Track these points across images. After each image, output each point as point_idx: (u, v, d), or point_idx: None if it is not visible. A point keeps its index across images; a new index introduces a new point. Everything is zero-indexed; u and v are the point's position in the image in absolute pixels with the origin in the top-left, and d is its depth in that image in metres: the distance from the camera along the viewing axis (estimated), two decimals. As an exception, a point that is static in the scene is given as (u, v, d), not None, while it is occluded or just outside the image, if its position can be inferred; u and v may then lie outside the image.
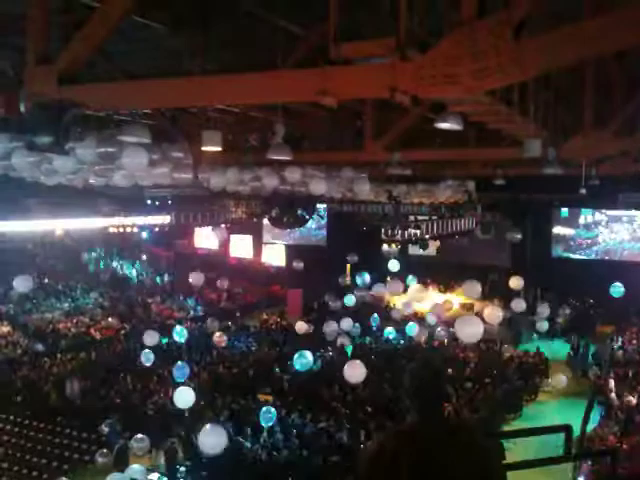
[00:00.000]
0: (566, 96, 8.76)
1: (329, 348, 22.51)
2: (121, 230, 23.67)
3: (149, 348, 18.54)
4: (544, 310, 21.29)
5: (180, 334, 20.57)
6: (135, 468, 14.33)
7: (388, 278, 24.49)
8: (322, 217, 30.53)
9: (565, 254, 28.31)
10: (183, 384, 16.45)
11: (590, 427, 15.43)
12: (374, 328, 24.35)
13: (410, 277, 23.98)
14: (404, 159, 11.31)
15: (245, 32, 7.59)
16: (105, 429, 16.65)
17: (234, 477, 13.96)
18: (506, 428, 16.15)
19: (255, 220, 25.69)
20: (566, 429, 4.38)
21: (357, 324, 22.72)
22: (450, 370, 18.81)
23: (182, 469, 14.74)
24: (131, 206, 22.38)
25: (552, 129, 8.48)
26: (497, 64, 4.23)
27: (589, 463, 12.10)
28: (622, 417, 15.65)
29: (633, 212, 26.02)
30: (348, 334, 22.02)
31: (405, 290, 21.74)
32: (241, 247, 35.54)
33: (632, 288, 21.76)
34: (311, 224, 28.66)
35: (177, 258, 36.11)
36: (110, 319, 27.88)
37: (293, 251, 32.19)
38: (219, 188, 14.26)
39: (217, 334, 20.78)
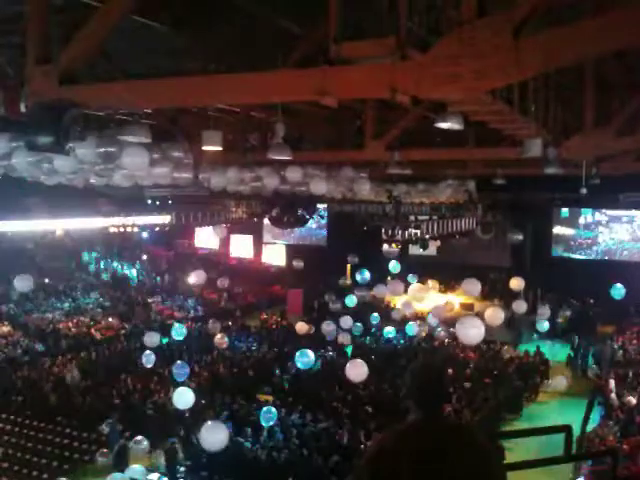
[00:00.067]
0: (566, 95, 8.76)
1: (329, 348, 22.51)
2: (121, 230, 23.69)
3: (150, 349, 18.55)
4: (545, 311, 21.30)
5: (178, 332, 20.59)
6: (135, 468, 14.34)
7: (388, 278, 24.49)
8: (322, 217, 30.56)
9: (565, 254, 28.31)
10: (183, 384, 16.47)
11: (590, 427, 15.43)
12: (374, 329, 24.33)
13: (410, 276, 23.96)
14: (404, 159, 11.30)
15: (245, 32, 7.58)
16: (105, 429, 16.65)
17: (234, 477, 13.96)
18: (506, 428, 16.15)
19: (255, 220, 25.70)
20: (566, 429, 4.37)
21: (358, 323, 22.73)
22: (450, 370, 18.81)
23: (182, 469, 14.73)
24: (131, 206, 22.38)
25: (552, 128, 8.48)
26: (497, 64, 4.23)
27: (589, 463, 12.09)
28: (622, 417, 15.65)
29: (633, 212, 26.03)
30: (350, 332, 22.03)
31: (406, 290, 21.71)
32: (241, 247, 35.56)
33: (632, 288, 21.76)
34: (311, 224, 28.69)
35: (177, 258, 36.11)
36: (110, 319, 27.88)
37: (293, 251, 32.20)
38: (219, 188, 14.27)
39: (218, 336, 20.76)
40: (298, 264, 27.98)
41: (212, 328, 21.88)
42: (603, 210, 27.15)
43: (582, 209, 27.45)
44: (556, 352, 23.19)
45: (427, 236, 20.75)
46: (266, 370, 21.15)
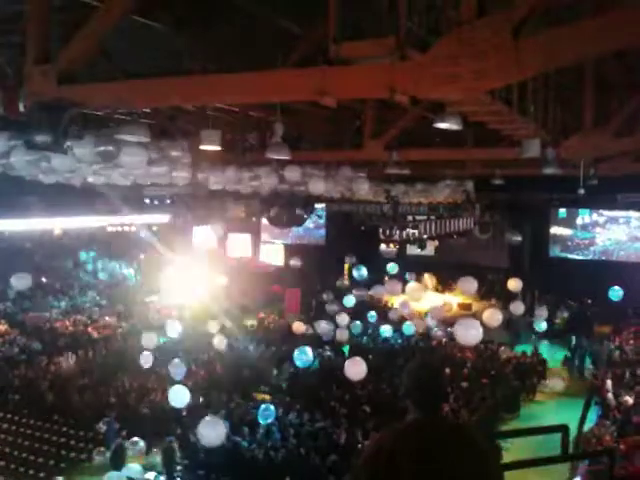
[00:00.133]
0: (566, 96, 8.77)
1: (327, 347, 22.51)
2: (119, 229, 23.70)
3: (148, 350, 18.55)
4: (542, 312, 21.30)
5: (173, 329, 20.60)
6: (132, 467, 14.35)
7: (386, 278, 24.51)
8: (320, 217, 30.57)
9: (562, 254, 28.34)
10: (180, 383, 16.46)
11: (587, 427, 15.45)
12: (370, 329, 24.34)
13: (407, 274, 23.96)
14: (403, 159, 11.31)
15: (245, 32, 7.58)
16: (102, 427, 16.64)
17: (231, 476, 13.96)
18: (503, 428, 16.16)
19: (254, 219, 25.69)
20: (563, 429, 4.39)
21: (357, 322, 22.76)
22: (448, 370, 18.82)
23: (179, 468, 14.74)
24: (129, 205, 22.35)
25: (551, 129, 8.49)
26: (496, 64, 4.24)
27: (586, 463, 12.11)
28: (619, 417, 15.67)
29: (630, 213, 26.05)
30: (348, 330, 22.04)
31: (403, 290, 21.72)
32: (239, 246, 35.52)
33: (629, 288, 21.80)
34: (309, 223, 28.68)
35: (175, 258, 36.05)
36: (107, 318, 27.84)
37: (291, 250, 32.17)
38: (218, 187, 14.27)
39: (217, 337, 20.74)
40: (295, 263, 27.97)
41: (213, 332, 21.83)
42: (600, 211, 27.17)
43: (579, 210, 27.48)
44: (553, 352, 23.20)
45: (425, 236, 20.78)
46: (263, 369, 21.15)
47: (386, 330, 23.13)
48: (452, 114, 6.30)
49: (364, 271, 23.19)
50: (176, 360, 18.07)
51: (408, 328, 21.91)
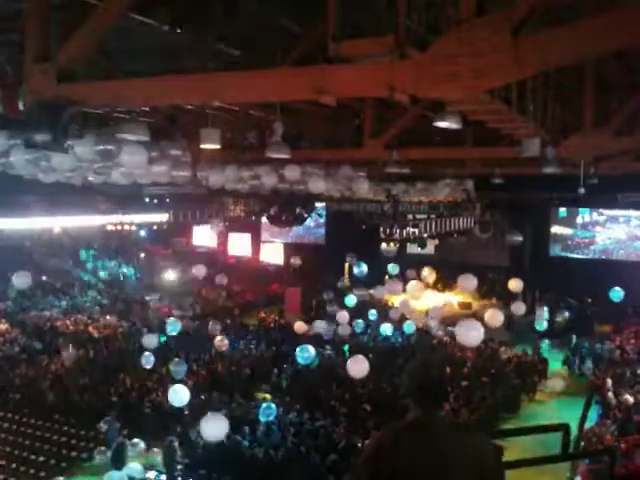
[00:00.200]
0: (565, 95, 8.77)
1: (327, 347, 22.51)
2: (119, 228, 23.69)
3: (149, 350, 18.57)
4: (543, 313, 21.29)
5: (173, 327, 20.65)
6: (133, 466, 14.36)
7: (386, 277, 24.51)
8: (320, 215, 30.56)
9: (563, 254, 28.35)
10: (181, 382, 16.48)
11: (588, 426, 15.46)
12: (369, 329, 24.34)
13: (408, 271, 23.95)
14: (403, 158, 11.31)
15: (244, 31, 7.58)
16: (103, 427, 16.65)
17: (232, 475, 13.97)
18: (504, 427, 16.16)
19: (254, 218, 25.68)
20: (564, 428, 4.38)
21: (360, 320, 22.78)
22: (448, 369, 18.80)
23: (180, 467, 14.74)
24: (129, 204, 22.36)
25: (551, 128, 8.49)
26: (496, 63, 4.23)
27: (586, 462, 12.11)
28: (620, 416, 15.68)
29: (630, 212, 26.06)
30: (351, 327, 22.06)
31: (404, 288, 21.71)
32: (239, 245, 35.53)
33: (629, 287, 21.79)
34: (310, 222, 28.69)
35: (175, 256, 36.08)
36: (108, 317, 27.86)
37: (292, 249, 32.20)
38: (218, 186, 14.26)
39: (218, 338, 20.76)
40: (295, 261, 28.00)
41: (212, 329, 21.85)
42: (600, 210, 27.18)
43: (580, 209, 27.48)
44: (554, 351, 23.20)
45: (425, 235, 20.78)
46: (264, 369, 21.16)
47: (386, 329, 23.14)
48: (452, 113, 6.30)
49: (364, 267, 23.19)
50: (177, 359, 18.09)
51: (408, 327, 21.92)
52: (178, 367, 17.80)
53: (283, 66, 6.36)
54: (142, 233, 31.26)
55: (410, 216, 21.82)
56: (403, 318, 22.72)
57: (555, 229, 28.47)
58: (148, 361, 18.29)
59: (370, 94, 7.98)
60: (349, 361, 15.37)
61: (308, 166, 13.26)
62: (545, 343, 22.72)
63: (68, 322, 26.80)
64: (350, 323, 22.09)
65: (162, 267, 33.35)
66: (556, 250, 28.46)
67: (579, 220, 28.12)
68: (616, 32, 3.98)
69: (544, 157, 9.19)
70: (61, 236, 26.59)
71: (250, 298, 32.61)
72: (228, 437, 14.13)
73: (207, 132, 8.93)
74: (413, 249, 23.37)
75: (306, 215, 22.30)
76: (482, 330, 13.77)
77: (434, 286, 27.31)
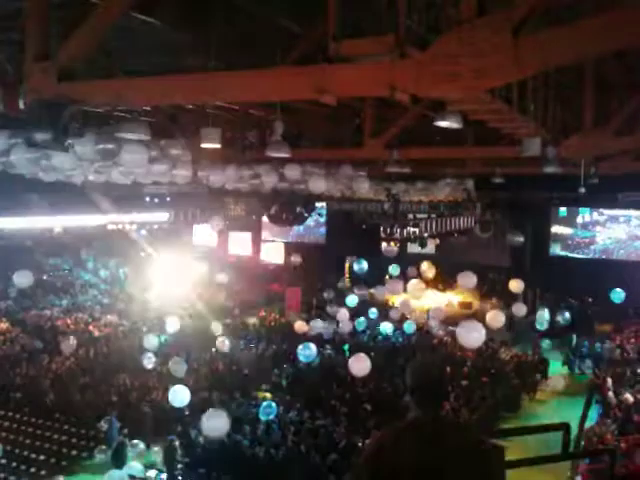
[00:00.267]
0: (566, 95, 8.77)
1: (327, 346, 22.52)
2: (120, 227, 23.69)
3: (150, 351, 18.59)
4: (543, 313, 21.24)
5: (172, 325, 20.68)
6: (133, 465, 14.37)
7: (387, 277, 24.51)
8: (321, 215, 30.56)
9: (563, 253, 28.34)
10: (181, 381, 16.48)
11: (588, 425, 15.45)
12: (368, 329, 24.35)
13: (409, 269, 23.94)
14: (403, 157, 11.31)
15: (245, 30, 7.58)
16: (104, 426, 16.66)
17: (232, 474, 13.97)
18: (504, 426, 16.16)
19: (254, 217, 25.68)
20: (564, 427, 4.39)
21: (362, 318, 22.78)
22: (448, 369, 18.79)
23: (180, 466, 14.75)
24: (130, 203, 22.36)
25: (551, 128, 8.49)
26: (496, 62, 4.23)
27: (587, 462, 12.12)
28: (620, 416, 15.67)
29: (630, 212, 26.05)
30: (352, 325, 22.05)
31: (405, 289, 21.71)
32: (240, 244, 35.53)
33: (630, 287, 21.78)
34: (310, 222, 28.68)
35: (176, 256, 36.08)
36: (109, 316, 27.86)
37: (292, 249, 32.19)
38: (218, 185, 14.27)
39: (220, 339, 20.77)
40: (295, 259, 28.02)
41: (214, 330, 21.85)
42: (601, 210, 27.17)
43: (580, 209, 27.47)
44: (554, 351, 23.19)
45: (426, 234, 20.78)
46: (264, 368, 21.16)
47: (386, 327, 23.14)
48: (452, 112, 6.30)
49: (364, 264, 23.19)
50: (176, 358, 18.09)
51: (409, 327, 21.92)
52: (178, 366, 17.81)
53: (283, 66, 6.36)
54: (143, 232, 31.25)
55: (410, 215, 21.82)
56: (404, 317, 22.73)
57: (555, 229, 28.45)
58: (149, 362, 18.30)
59: (370, 93, 7.98)
60: (351, 359, 15.39)
61: (308, 165, 13.27)
62: (545, 343, 22.71)
63: (69, 321, 26.81)
64: (352, 319, 22.06)
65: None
66: (556, 250, 28.45)
67: (579, 220, 28.11)
68: (616, 32, 3.98)
69: (545, 157, 9.19)
70: (62, 235, 26.59)
71: (250, 297, 32.60)
72: (228, 436, 14.13)
73: (207, 131, 8.93)
74: (414, 248, 23.36)
75: (306, 214, 22.29)
76: (483, 331, 13.76)
77: (435, 286, 27.32)
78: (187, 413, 16.20)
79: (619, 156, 11.54)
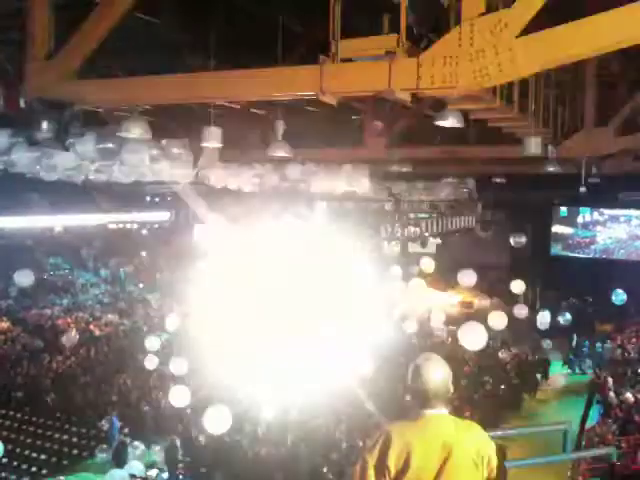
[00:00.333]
0: (567, 94, 8.76)
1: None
2: (120, 226, 23.70)
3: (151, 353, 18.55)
4: (544, 313, 21.20)
5: (171, 323, 20.63)
6: (134, 464, 14.37)
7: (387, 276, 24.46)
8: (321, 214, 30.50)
9: (563, 253, 28.32)
10: (182, 380, 16.45)
11: (589, 425, 15.45)
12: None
13: (411, 267, 23.89)
14: (404, 156, 11.30)
15: (246, 29, 7.58)
16: (105, 425, 16.66)
17: (232, 473, 13.97)
18: (505, 426, 16.16)
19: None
20: (565, 427, 4.39)
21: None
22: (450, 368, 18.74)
23: (181, 465, 14.75)
24: (131, 203, 22.35)
25: (552, 127, 8.48)
26: (496, 62, 4.23)
27: (588, 461, 12.11)
28: (621, 416, 15.67)
29: (631, 211, 26.03)
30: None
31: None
32: (241, 244, 35.49)
33: (631, 287, 21.77)
34: (311, 221, 28.63)
35: (177, 255, 36.04)
36: (110, 316, 27.85)
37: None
38: (219, 185, 14.26)
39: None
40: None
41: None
42: (601, 209, 27.14)
43: (580, 208, 27.44)
44: (555, 350, 23.18)
45: (427, 234, 20.76)
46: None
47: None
48: (453, 112, 6.29)
49: None
50: (177, 357, 18.05)
51: (410, 326, 21.89)
52: (178, 365, 17.77)
53: (285, 65, 6.36)
54: (144, 232, 31.25)
55: (412, 215, 21.80)
56: (405, 316, 22.69)
57: (556, 228, 28.42)
58: (151, 363, 18.26)
59: (372, 92, 7.97)
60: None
61: (309, 165, 13.25)
62: (546, 343, 22.69)
63: (69, 320, 26.81)
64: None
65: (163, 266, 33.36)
66: (557, 249, 28.43)
67: (580, 219, 28.08)
68: (616, 31, 3.98)
69: (546, 156, 9.18)
70: (62, 234, 26.60)
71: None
72: (229, 435, 14.12)
73: (209, 130, 8.92)
74: (415, 248, 23.34)
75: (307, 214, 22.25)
76: (485, 333, 13.75)
77: (435, 285, 27.29)
78: (188, 412, 16.19)
79: (620, 155, 11.52)
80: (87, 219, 23.35)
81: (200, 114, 10.57)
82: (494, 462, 2.89)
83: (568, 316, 22.28)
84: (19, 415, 18.05)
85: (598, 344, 23.05)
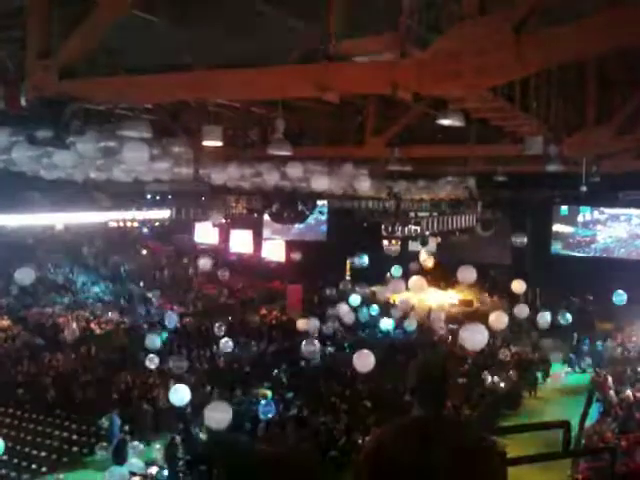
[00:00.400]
0: (568, 93, 8.75)
1: (328, 343, 22.53)
2: (121, 225, 23.70)
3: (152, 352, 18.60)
4: (545, 315, 21.21)
5: (171, 321, 20.69)
6: (134, 462, 14.39)
7: (388, 275, 24.50)
8: (322, 213, 30.55)
9: (564, 252, 28.33)
10: (182, 378, 16.50)
11: (588, 423, 15.47)
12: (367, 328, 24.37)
13: (412, 264, 23.91)
14: (405, 155, 11.29)
15: (246, 27, 7.56)
16: (105, 423, 16.68)
17: (232, 471, 13.98)
18: (505, 424, 16.17)
19: (255, 215, 25.67)
20: (565, 425, 4.39)
21: (365, 309, 22.79)
22: (449, 367, 18.75)
23: (181, 463, 14.77)
24: (131, 201, 22.36)
25: (554, 126, 8.47)
26: (498, 60, 4.23)
27: (587, 460, 12.12)
28: (621, 414, 15.68)
29: (631, 210, 26.02)
30: (356, 314, 22.06)
31: (406, 287, 21.68)
32: (241, 242, 35.54)
33: (630, 286, 21.77)
34: (311, 220, 28.68)
35: (177, 253, 36.10)
36: (110, 314, 27.88)
37: (293, 247, 32.18)
38: (219, 183, 14.26)
39: (223, 340, 20.76)
40: (295, 255, 28.09)
41: (217, 331, 21.85)
42: (601, 208, 27.14)
43: (581, 207, 27.44)
44: (555, 349, 23.20)
45: (427, 232, 20.74)
46: (265, 365, 21.17)
47: (386, 324, 23.13)
48: (454, 110, 6.29)
49: (365, 259, 23.21)
50: (177, 355, 18.10)
51: (410, 324, 21.93)
52: (178, 363, 17.82)
53: (285, 63, 6.35)
54: (145, 230, 31.27)
55: (412, 214, 21.80)
56: (405, 315, 22.73)
57: (557, 227, 28.43)
58: (152, 362, 18.30)
59: (373, 91, 7.97)
60: (355, 355, 15.39)
61: (310, 163, 13.25)
62: (546, 341, 22.71)
63: (70, 318, 26.82)
64: (355, 311, 22.07)
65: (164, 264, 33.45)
66: (557, 248, 28.44)
67: (580, 219, 28.09)
68: (617, 30, 3.97)
69: (547, 155, 9.17)
70: (63, 233, 26.61)
71: (251, 295, 32.61)
72: (229, 433, 14.14)
73: (209, 129, 8.92)
74: (415, 247, 23.35)
75: (308, 212, 22.28)
76: (486, 334, 13.77)
77: (435, 284, 27.31)
78: (188, 410, 16.22)
79: (621, 154, 11.51)
80: (88, 217, 23.34)
81: (200, 112, 10.58)
82: (493, 461, 2.88)
83: (568, 315, 22.30)
84: (19, 413, 18.07)
85: (598, 342, 23.06)
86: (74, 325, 20.61)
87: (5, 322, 25.26)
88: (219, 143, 9.14)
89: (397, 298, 24.98)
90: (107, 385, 19.33)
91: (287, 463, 12.76)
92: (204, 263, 24.01)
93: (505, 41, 4.10)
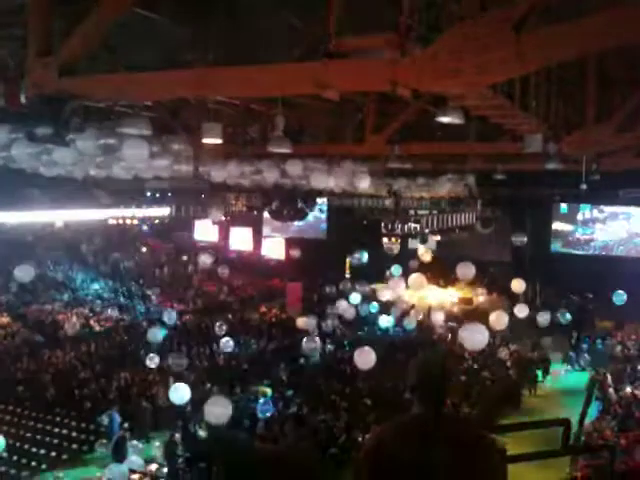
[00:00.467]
0: (568, 91, 8.74)
1: (328, 341, 22.54)
2: (120, 222, 23.71)
3: (152, 348, 18.62)
4: (545, 315, 21.23)
5: (169, 318, 20.72)
6: (134, 459, 14.40)
7: (388, 273, 24.50)
8: (322, 211, 30.55)
9: (563, 250, 28.35)
10: (181, 375, 16.51)
11: (588, 422, 15.48)
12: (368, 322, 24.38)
13: (411, 261, 23.93)
14: (404, 153, 11.28)
15: (247, 25, 7.56)
16: (105, 420, 16.70)
17: (232, 468, 14.00)
18: (505, 422, 16.19)
19: (255, 213, 25.68)
20: (564, 423, 4.39)
21: (365, 305, 22.85)
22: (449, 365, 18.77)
23: (180, 460, 14.79)
24: (131, 198, 22.37)
25: (553, 124, 8.47)
26: (498, 58, 4.23)
27: (587, 458, 12.13)
28: (620, 412, 15.70)
29: (630, 209, 26.03)
30: (357, 310, 22.07)
31: (406, 285, 21.69)
32: (241, 240, 35.54)
33: (630, 284, 21.78)
34: (311, 217, 28.68)
35: (176, 251, 36.11)
36: (110, 311, 27.89)
37: (293, 244, 32.19)
38: (219, 180, 14.26)
39: (224, 340, 20.79)
40: (294, 253, 28.11)
41: (218, 331, 21.87)
42: (601, 207, 27.15)
43: (580, 205, 27.45)
44: (555, 347, 23.22)
45: (427, 230, 20.76)
46: (265, 363, 21.19)
47: (385, 322, 23.15)
48: (454, 108, 6.29)
49: (365, 256, 23.23)
50: (176, 353, 18.11)
51: (409, 322, 21.93)
52: (178, 361, 17.83)
53: (286, 61, 6.35)
54: (144, 227, 31.29)
55: (412, 211, 21.81)
56: (404, 313, 22.75)
57: (556, 225, 28.45)
58: (153, 361, 18.31)
59: (373, 89, 7.97)
60: (356, 352, 15.40)
61: (310, 161, 13.24)
62: (546, 339, 22.73)
63: (69, 315, 26.83)
64: (356, 307, 22.09)
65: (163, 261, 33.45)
66: (557, 246, 28.46)
67: (580, 217, 28.11)
68: (617, 29, 3.97)
69: (546, 153, 9.17)
70: (63, 230, 26.61)
71: (251, 292, 32.63)
72: (228, 430, 14.16)
73: (209, 126, 8.92)
74: (415, 244, 23.37)
75: (307, 210, 22.28)
76: (486, 334, 13.77)
77: (435, 281, 27.33)
78: (188, 408, 16.23)
79: (620, 152, 11.51)
80: (87, 214, 23.35)
81: (200, 110, 10.57)
82: (493, 459, 2.89)
83: (568, 316, 22.33)
84: (19, 410, 18.08)
85: (598, 341, 23.08)
86: (74, 319, 20.60)
87: (5, 319, 25.27)
88: (219, 140, 9.14)
89: (397, 297, 25.02)
90: (107, 382, 19.34)
91: (286, 461, 12.80)
92: (204, 260, 24.00)
93: (506, 39, 4.10)
